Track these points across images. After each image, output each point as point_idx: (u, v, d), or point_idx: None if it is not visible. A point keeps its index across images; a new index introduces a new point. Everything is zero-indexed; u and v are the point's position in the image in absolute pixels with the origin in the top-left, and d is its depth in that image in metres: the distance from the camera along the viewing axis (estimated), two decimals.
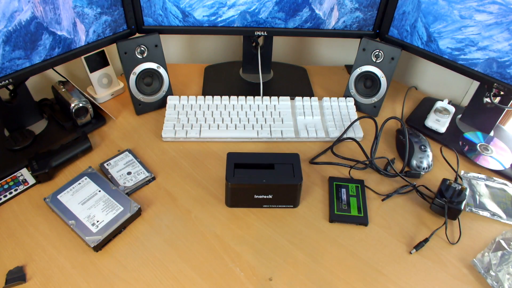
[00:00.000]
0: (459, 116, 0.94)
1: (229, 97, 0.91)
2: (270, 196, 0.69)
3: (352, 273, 0.62)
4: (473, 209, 0.73)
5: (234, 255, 0.64)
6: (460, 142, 0.86)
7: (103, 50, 0.90)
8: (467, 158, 0.83)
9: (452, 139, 0.87)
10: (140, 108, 0.91)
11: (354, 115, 0.90)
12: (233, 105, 0.90)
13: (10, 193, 0.71)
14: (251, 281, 0.60)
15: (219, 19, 0.87)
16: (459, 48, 0.79)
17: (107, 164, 0.76)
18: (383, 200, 0.74)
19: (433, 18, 0.79)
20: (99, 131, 0.87)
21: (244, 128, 0.85)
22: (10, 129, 0.83)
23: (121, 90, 0.98)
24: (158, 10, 0.84)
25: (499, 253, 0.64)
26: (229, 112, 0.88)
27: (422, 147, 0.81)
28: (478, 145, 0.85)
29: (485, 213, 0.72)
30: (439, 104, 0.92)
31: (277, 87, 1.02)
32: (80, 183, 0.71)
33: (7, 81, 0.69)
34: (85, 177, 0.72)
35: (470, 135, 0.87)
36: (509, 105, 0.83)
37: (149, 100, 0.91)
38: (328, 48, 1.20)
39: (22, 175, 0.75)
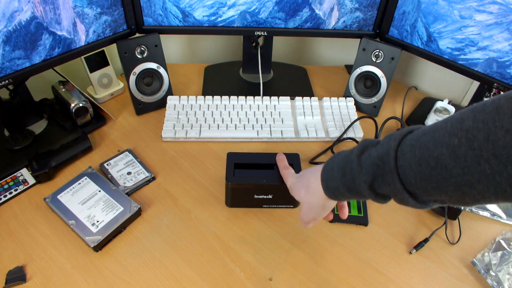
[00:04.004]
0: None
1: (229, 97, 0.91)
2: (270, 196, 0.69)
3: (352, 273, 0.62)
4: (473, 209, 0.73)
5: (234, 255, 0.64)
6: None
7: (103, 50, 0.90)
8: None
9: None
10: (140, 108, 0.91)
11: (354, 115, 0.90)
12: (233, 105, 0.90)
13: (10, 193, 0.71)
14: (251, 281, 0.60)
15: (219, 19, 0.87)
16: (459, 48, 0.79)
17: (107, 164, 0.76)
18: None
19: (433, 18, 0.79)
20: (99, 131, 0.87)
21: (244, 128, 0.85)
22: (10, 129, 0.83)
23: (121, 90, 0.98)
24: (158, 10, 0.84)
25: (499, 253, 0.64)
26: (229, 112, 0.88)
27: None
28: None
29: (485, 213, 0.72)
30: (439, 104, 0.92)
31: (277, 87, 1.02)
32: (80, 183, 0.71)
33: (7, 81, 0.69)
34: (85, 177, 0.72)
35: None
36: None
37: (149, 100, 0.91)
38: (328, 48, 1.20)
39: (22, 175, 0.75)
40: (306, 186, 0.55)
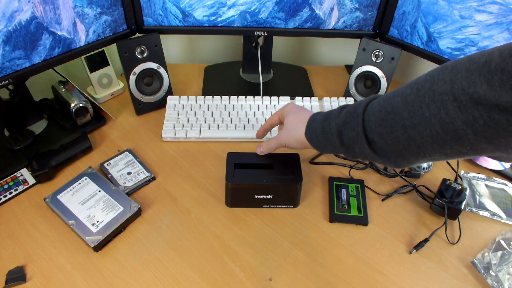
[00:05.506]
0: None
1: (229, 97, 0.91)
2: (270, 196, 0.69)
3: (352, 273, 0.62)
4: (473, 209, 0.73)
5: (234, 255, 0.64)
6: None
7: (103, 50, 0.90)
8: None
9: None
10: (140, 108, 0.91)
11: None
12: (233, 105, 0.90)
13: (10, 193, 0.71)
14: (251, 281, 0.60)
15: (219, 19, 0.87)
16: (459, 48, 0.79)
17: (107, 164, 0.76)
18: (383, 200, 0.74)
19: (433, 18, 0.79)
20: (99, 131, 0.87)
21: (244, 128, 0.85)
22: (10, 129, 0.83)
23: (121, 90, 0.98)
24: (158, 10, 0.84)
25: (499, 253, 0.64)
26: (229, 112, 0.88)
27: None
28: None
29: (485, 213, 0.72)
30: None
31: (277, 87, 1.02)
32: (80, 183, 0.71)
33: (7, 81, 0.69)
34: (85, 177, 0.72)
35: None
36: None
37: (149, 100, 0.91)
38: (328, 48, 1.20)
39: (22, 175, 0.75)
40: (298, 120, 0.63)
